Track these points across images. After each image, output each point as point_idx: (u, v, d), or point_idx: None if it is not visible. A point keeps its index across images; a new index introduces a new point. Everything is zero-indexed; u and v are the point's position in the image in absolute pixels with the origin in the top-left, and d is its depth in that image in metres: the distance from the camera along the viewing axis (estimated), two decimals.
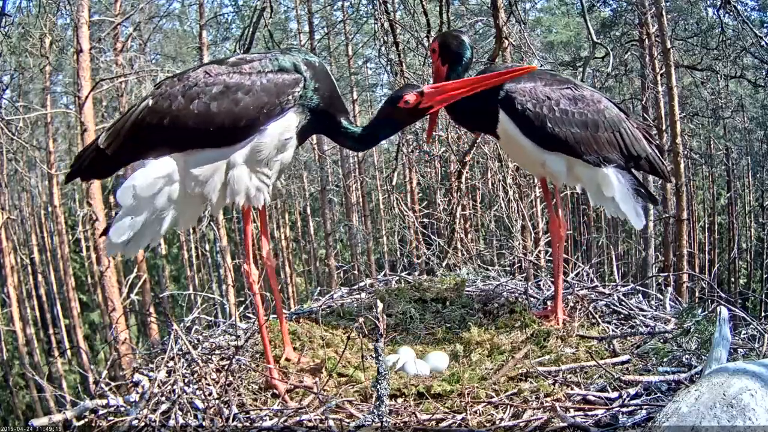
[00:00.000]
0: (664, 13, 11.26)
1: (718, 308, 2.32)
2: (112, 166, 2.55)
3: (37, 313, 18.78)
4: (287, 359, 2.76)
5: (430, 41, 5.99)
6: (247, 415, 2.29)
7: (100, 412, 2.53)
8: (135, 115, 2.45)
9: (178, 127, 2.37)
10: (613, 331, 2.95)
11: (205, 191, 2.43)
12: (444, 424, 2.20)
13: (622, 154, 2.96)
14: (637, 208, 3.04)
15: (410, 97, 2.49)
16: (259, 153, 2.41)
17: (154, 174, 2.40)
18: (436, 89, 2.54)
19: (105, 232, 2.56)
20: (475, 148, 6.50)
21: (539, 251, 5.42)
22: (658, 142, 3.22)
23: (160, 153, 2.42)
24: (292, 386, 2.52)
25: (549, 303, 3.46)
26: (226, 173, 2.41)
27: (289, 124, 2.43)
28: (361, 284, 4.08)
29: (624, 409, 2.13)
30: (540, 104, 2.82)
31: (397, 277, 4.14)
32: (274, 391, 2.50)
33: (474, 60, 3.14)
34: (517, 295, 3.61)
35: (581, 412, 2.17)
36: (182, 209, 2.57)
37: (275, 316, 3.49)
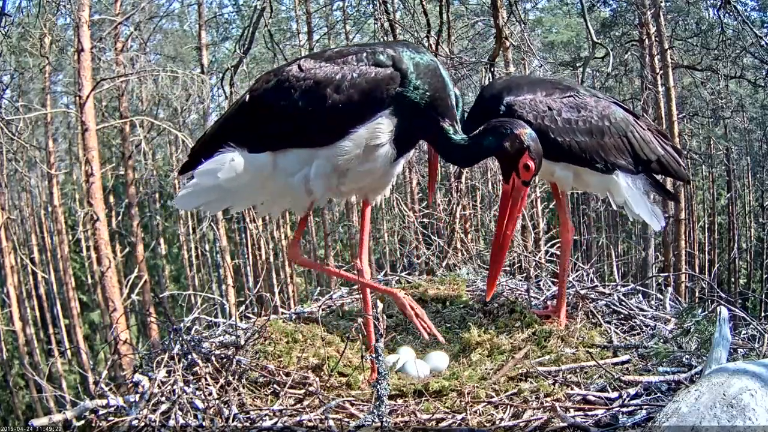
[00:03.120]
0: (662, 13, 11.27)
1: (718, 308, 2.32)
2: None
3: (37, 313, 18.76)
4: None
5: (431, 41, 6.01)
6: (247, 415, 2.29)
7: (100, 412, 2.53)
8: (234, 110, 2.40)
9: (270, 125, 2.28)
10: (614, 331, 2.95)
11: (291, 190, 2.34)
12: (444, 423, 2.20)
13: (632, 159, 2.90)
14: (653, 210, 3.01)
15: (529, 162, 2.20)
16: (340, 157, 2.22)
17: (241, 167, 2.29)
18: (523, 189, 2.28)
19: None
20: None
21: (539, 251, 5.43)
22: (673, 143, 3.16)
23: (254, 149, 2.31)
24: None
25: (549, 303, 3.46)
26: (309, 175, 2.27)
27: (380, 128, 2.20)
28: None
29: (624, 409, 2.13)
30: (541, 116, 2.77)
31: (397, 277, 4.14)
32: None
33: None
34: (517, 295, 3.61)
35: (581, 412, 2.17)
36: (269, 202, 2.54)
37: (275, 316, 3.49)
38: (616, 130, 2.87)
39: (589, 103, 2.87)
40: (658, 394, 2.23)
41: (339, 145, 2.21)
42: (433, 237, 6.70)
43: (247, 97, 2.35)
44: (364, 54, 2.21)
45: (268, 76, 2.35)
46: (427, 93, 2.21)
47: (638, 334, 2.94)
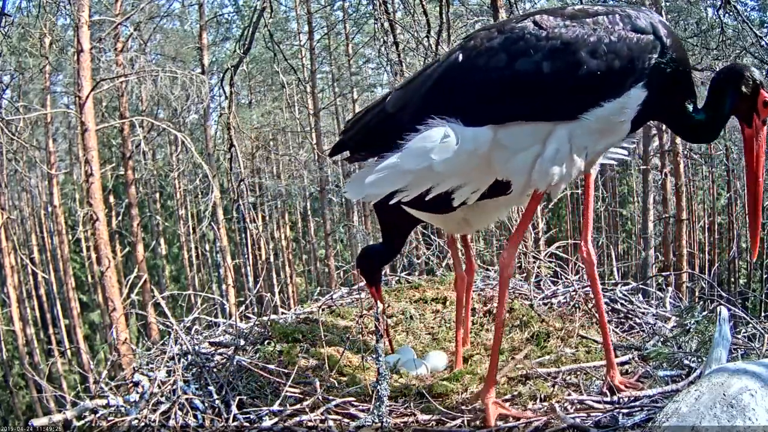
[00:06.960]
0: (663, 13, 11.26)
1: (718, 308, 2.32)
2: (401, 134, 2.01)
3: (37, 313, 18.78)
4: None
5: (430, 41, 6.01)
6: (247, 416, 2.29)
7: (100, 412, 2.53)
8: (438, 72, 2.02)
9: (495, 91, 1.95)
10: (613, 330, 2.95)
11: (510, 170, 2.02)
12: (444, 425, 2.20)
13: None
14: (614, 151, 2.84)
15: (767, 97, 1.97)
16: (578, 135, 1.94)
17: (459, 143, 1.95)
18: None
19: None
20: None
21: (539, 251, 5.42)
22: None
23: (472, 121, 1.96)
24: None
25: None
26: (544, 156, 1.96)
27: (629, 102, 1.92)
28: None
29: (624, 410, 2.13)
30: None
31: (397, 277, 4.14)
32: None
33: None
34: (517, 294, 3.61)
35: (581, 413, 2.17)
36: (473, 186, 2.20)
37: (275, 316, 3.48)
38: None
39: None
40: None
41: (581, 120, 1.92)
42: (433, 237, 6.70)
43: (460, 56, 2.00)
44: (618, 16, 1.93)
45: (489, 33, 2.00)
46: (679, 67, 1.96)
47: (638, 333, 2.94)
